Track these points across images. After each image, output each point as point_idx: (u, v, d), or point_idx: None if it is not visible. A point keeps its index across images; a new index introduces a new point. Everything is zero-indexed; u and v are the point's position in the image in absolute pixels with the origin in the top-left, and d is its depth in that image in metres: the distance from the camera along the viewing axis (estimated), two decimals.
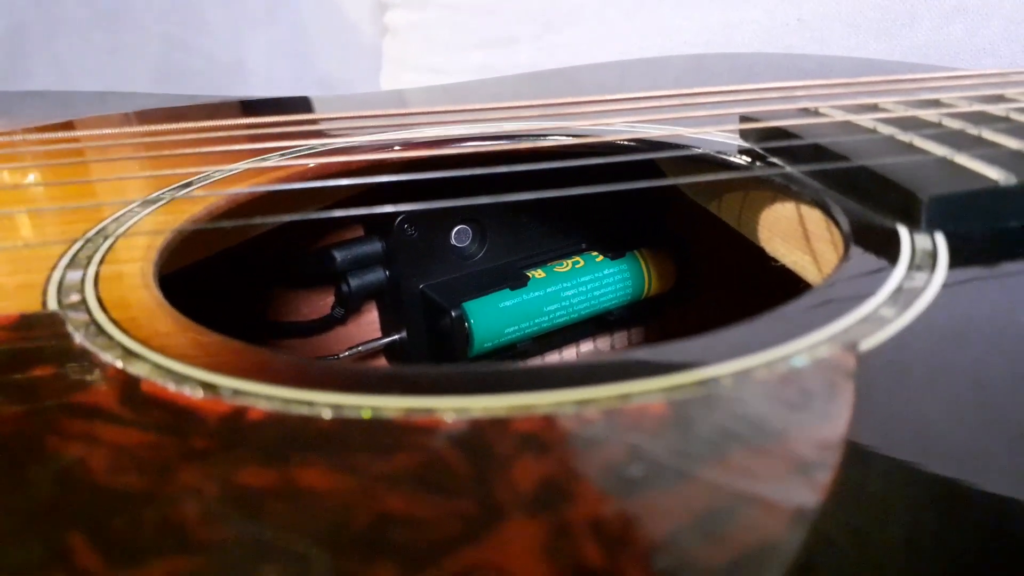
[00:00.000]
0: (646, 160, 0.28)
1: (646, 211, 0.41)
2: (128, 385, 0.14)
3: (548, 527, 0.10)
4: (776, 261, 0.27)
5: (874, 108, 0.24)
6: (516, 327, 0.38)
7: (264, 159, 0.28)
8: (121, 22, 0.83)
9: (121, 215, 0.23)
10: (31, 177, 0.27)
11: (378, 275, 0.38)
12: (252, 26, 0.86)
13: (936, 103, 0.24)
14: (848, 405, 0.12)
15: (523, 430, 0.12)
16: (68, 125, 0.39)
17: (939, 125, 0.22)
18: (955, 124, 0.22)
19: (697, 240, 0.41)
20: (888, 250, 0.18)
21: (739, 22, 0.70)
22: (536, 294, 0.38)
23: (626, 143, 0.27)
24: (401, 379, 0.14)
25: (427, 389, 0.13)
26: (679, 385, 0.13)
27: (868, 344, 0.14)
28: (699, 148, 0.26)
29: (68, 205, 0.24)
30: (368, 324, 0.42)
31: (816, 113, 0.25)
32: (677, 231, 0.41)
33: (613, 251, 0.40)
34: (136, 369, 0.14)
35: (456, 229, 0.38)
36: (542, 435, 0.12)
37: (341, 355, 0.39)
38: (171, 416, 0.13)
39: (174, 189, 0.25)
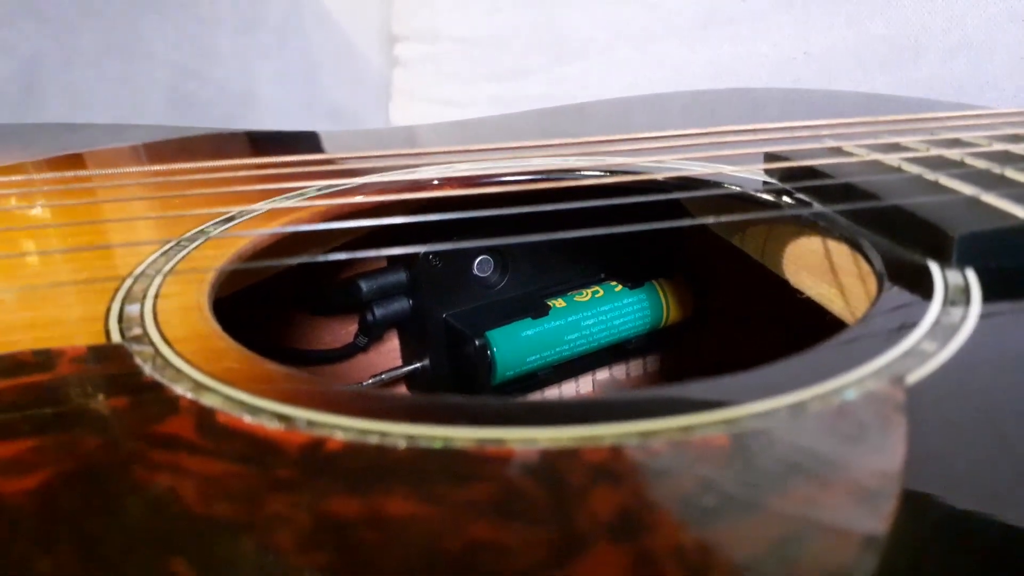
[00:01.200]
0: (669, 193, 0.29)
1: (664, 241, 0.42)
2: (204, 416, 0.14)
3: (632, 554, 0.11)
4: (801, 293, 0.27)
5: (898, 147, 0.25)
6: (538, 355, 0.38)
7: (301, 194, 0.29)
8: (133, 52, 0.85)
9: (167, 250, 0.23)
10: (47, 213, 0.28)
11: (402, 304, 0.38)
12: (262, 57, 0.88)
13: (958, 142, 0.25)
14: (901, 437, 0.13)
15: (593, 461, 0.13)
16: (78, 157, 0.40)
17: (963, 164, 0.23)
18: (979, 163, 0.23)
19: (715, 270, 0.42)
20: (922, 286, 0.19)
21: (747, 55, 0.72)
22: (557, 323, 0.39)
23: (657, 180, 0.28)
24: (467, 410, 0.14)
25: (493, 420, 0.14)
26: (737, 418, 0.14)
27: (914, 377, 0.15)
28: (726, 185, 0.27)
29: (116, 243, 0.24)
30: (388, 352, 0.43)
31: (842, 152, 0.25)
32: (695, 261, 0.42)
33: (632, 281, 0.41)
34: (209, 401, 0.15)
35: (479, 259, 0.39)
36: (612, 466, 0.12)
37: (365, 383, 0.39)
38: (251, 447, 0.13)
39: (216, 224, 0.26)
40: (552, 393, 0.43)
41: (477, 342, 0.37)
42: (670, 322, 0.41)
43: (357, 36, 0.92)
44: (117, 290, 0.21)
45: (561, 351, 0.39)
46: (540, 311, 0.38)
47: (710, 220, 0.24)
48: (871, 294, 0.23)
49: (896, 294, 0.19)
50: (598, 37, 0.78)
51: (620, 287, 0.40)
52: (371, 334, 0.40)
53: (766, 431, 0.13)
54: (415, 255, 0.37)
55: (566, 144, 0.27)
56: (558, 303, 0.39)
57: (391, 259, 0.39)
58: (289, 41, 0.89)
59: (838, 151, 0.26)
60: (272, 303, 0.38)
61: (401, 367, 0.41)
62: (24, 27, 0.82)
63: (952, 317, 0.17)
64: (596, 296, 0.40)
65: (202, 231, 0.25)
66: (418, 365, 0.40)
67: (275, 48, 0.88)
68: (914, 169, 0.23)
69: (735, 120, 0.28)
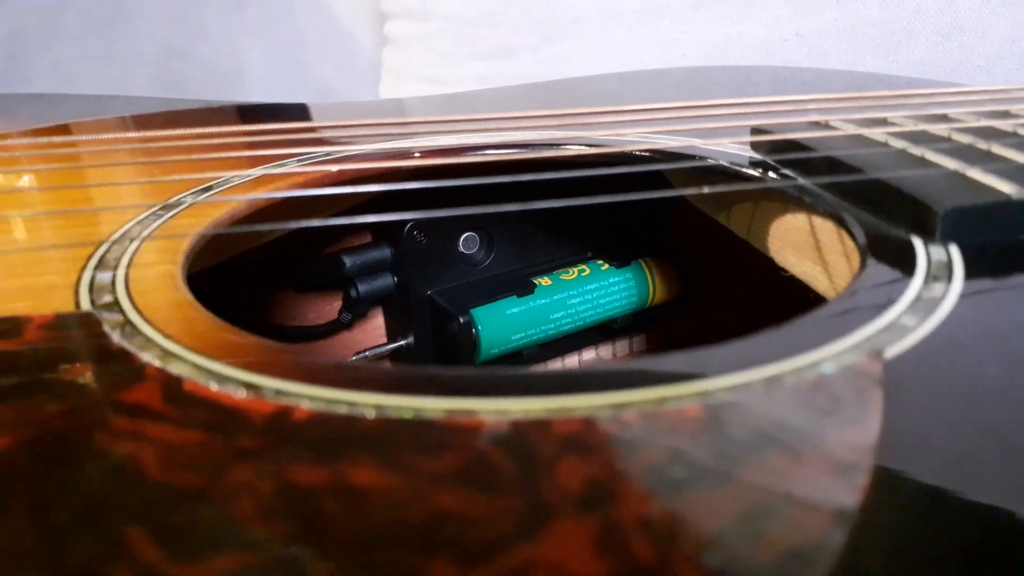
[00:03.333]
0: (654, 171, 0.29)
1: (651, 220, 0.42)
2: (170, 384, 0.14)
3: (599, 525, 0.10)
4: (785, 271, 0.27)
5: (884, 122, 0.25)
6: (523, 334, 0.38)
7: (281, 164, 0.28)
8: (119, 29, 0.84)
9: (144, 218, 0.23)
10: (26, 180, 0.28)
11: (386, 281, 0.38)
12: (251, 35, 0.87)
13: (944, 118, 0.25)
14: (877, 411, 0.13)
15: (564, 432, 0.12)
16: (64, 128, 0.40)
17: (949, 139, 0.23)
18: (965, 139, 0.23)
19: (701, 249, 0.42)
20: (904, 261, 0.18)
21: (738, 36, 0.71)
22: (543, 301, 0.38)
23: (640, 154, 0.28)
24: (439, 381, 0.14)
25: (465, 391, 0.14)
26: (712, 390, 0.13)
27: (893, 352, 0.15)
28: (711, 159, 0.27)
29: (91, 208, 0.24)
30: (373, 329, 0.43)
31: (827, 126, 0.25)
32: (682, 241, 0.42)
33: (619, 259, 0.40)
34: (176, 369, 0.15)
35: (464, 236, 0.39)
36: (583, 437, 0.12)
37: (349, 360, 0.39)
38: (216, 415, 0.13)
39: (194, 193, 0.25)
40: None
41: (462, 320, 0.37)
42: (656, 301, 0.41)
43: (346, 14, 0.91)
44: (90, 257, 0.20)
45: (547, 329, 0.39)
46: (525, 289, 0.38)
47: (691, 191, 0.24)
48: (855, 271, 0.23)
49: (878, 269, 0.19)
50: (588, 16, 0.78)
51: (607, 266, 0.40)
52: (355, 311, 0.39)
53: (740, 403, 0.13)
54: (399, 231, 0.37)
55: (552, 116, 0.27)
56: (544, 281, 0.39)
57: (375, 235, 0.39)
58: (278, 19, 0.88)
59: (823, 125, 0.25)
60: (255, 279, 0.38)
61: (385, 344, 0.40)
62: (5, 1, 0.80)
63: (934, 292, 0.17)
64: (582, 274, 0.40)
65: (180, 199, 0.25)
66: (402, 343, 0.40)
67: (263, 26, 0.87)
68: (899, 143, 0.23)
69: (725, 96, 0.28)
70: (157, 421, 0.13)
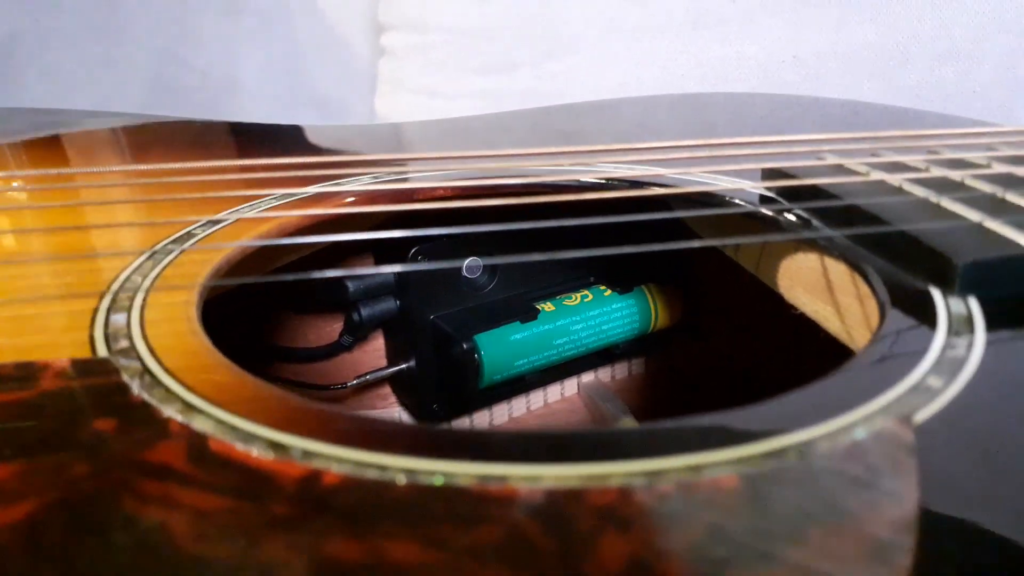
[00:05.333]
0: (667, 204, 0.29)
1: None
2: (195, 443, 0.14)
3: None
4: (796, 309, 0.27)
5: (900, 167, 0.25)
6: (526, 359, 0.38)
7: (290, 197, 0.28)
8: (114, 36, 0.83)
9: (153, 254, 0.23)
10: (17, 209, 0.27)
11: (389, 305, 0.38)
12: (246, 43, 0.86)
13: (961, 163, 0.25)
14: (912, 481, 0.13)
15: (600, 503, 0.12)
16: (55, 140, 0.39)
17: (965, 186, 0.23)
18: (981, 186, 0.23)
19: (705, 278, 0.42)
20: (925, 314, 0.19)
21: (736, 57, 0.72)
22: (546, 327, 0.38)
23: (657, 195, 0.27)
24: (469, 443, 0.14)
25: (497, 455, 0.13)
26: (746, 457, 0.13)
27: (922, 416, 0.15)
28: (730, 201, 0.26)
29: (100, 253, 0.24)
30: (373, 352, 0.43)
31: (844, 170, 0.25)
32: (686, 268, 0.42)
33: (621, 285, 0.40)
34: (200, 425, 0.14)
35: (467, 261, 0.38)
36: (620, 509, 0.12)
37: (350, 383, 0.39)
38: (245, 479, 0.13)
39: (204, 225, 0.25)
40: (537, 395, 0.43)
41: (465, 345, 0.36)
42: (658, 328, 0.41)
43: (343, 24, 0.90)
44: (102, 297, 0.20)
45: (549, 356, 0.39)
46: (529, 315, 0.38)
47: (712, 243, 0.24)
48: (868, 315, 0.23)
49: (899, 322, 0.19)
50: (588, 33, 0.78)
51: (609, 292, 0.40)
52: (356, 334, 0.39)
53: (776, 473, 0.13)
54: (404, 256, 0.37)
55: (563, 152, 0.27)
56: (547, 307, 0.39)
57: (379, 258, 0.39)
58: (273, 27, 0.87)
59: (840, 169, 0.25)
60: (258, 301, 0.38)
61: (386, 367, 0.40)
62: (0, 5, 0.80)
63: (957, 350, 0.17)
64: (585, 300, 0.39)
65: (188, 234, 0.24)
66: (403, 366, 0.40)
67: (259, 34, 0.87)
68: (917, 191, 0.23)
69: (724, 124, 0.28)
70: (185, 485, 0.13)
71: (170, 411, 0.15)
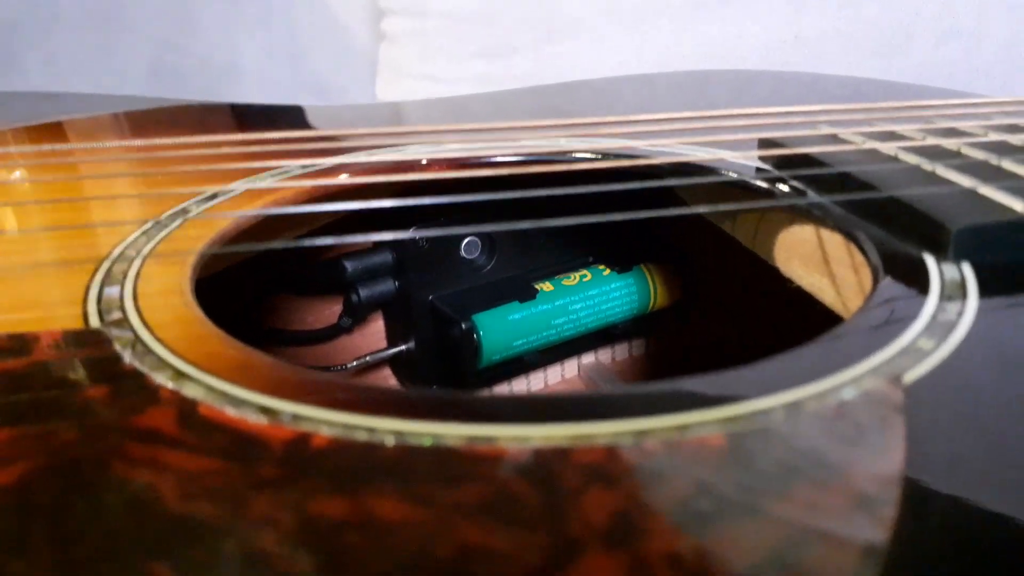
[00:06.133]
0: (663, 179, 0.29)
1: (654, 226, 0.42)
2: (185, 409, 0.14)
3: (627, 561, 0.10)
4: (792, 283, 0.27)
5: (894, 136, 0.25)
6: (524, 340, 0.38)
7: (285, 173, 0.28)
8: (114, 22, 0.83)
9: (149, 228, 0.23)
10: (17, 175, 0.27)
11: (388, 286, 0.38)
12: (246, 29, 0.86)
13: (954, 131, 0.25)
14: (900, 439, 0.13)
15: (586, 461, 0.12)
16: (57, 126, 0.39)
17: (960, 154, 0.23)
18: (976, 153, 0.23)
19: (704, 256, 0.42)
20: (918, 280, 0.18)
21: (737, 37, 0.71)
22: (545, 307, 0.38)
23: (651, 164, 0.27)
24: (457, 406, 0.14)
25: (485, 417, 0.13)
26: (734, 417, 0.13)
27: (911, 376, 0.15)
28: (721, 171, 0.26)
29: (96, 222, 0.24)
30: (373, 334, 0.43)
31: (838, 139, 0.25)
32: (684, 246, 0.42)
33: (620, 265, 0.40)
34: (190, 391, 0.14)
35: (466, 241, 0.38)
36: (606, 467, 0.12)
37: (350, 365, 0.39)
38: (234, 442, 0.13)
39: (199, 201, 0.25)
40: (537, 376, 0.43)
41: (464, 325, 0.36)
42: (657, 307, 0.41)
43: (343, 9, 0.90)
44: (96, 270, 0.20)
45: (548, 335, 0.39)
46: (527, 294, 0.38)
47: (703, 209, 0.24)
48: (863, 285, 0.23)
49: (891, 288, 0.19)
50: (588, 16, 0.77)
51: (608, 271, 0.40)
52: (356, 315, 0.39)
53: (763, 431, 0.13)
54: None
55: (558, 125, 0.27)
56: (546, 287, 0.39)
57: (377, 240, 0.39)
58: (272, 14, 0.87)
59: (834, 138, 0.25)
60: (255, 283, 0.38)
61: (386, 349, 0.40)
62: None
63: (948, 314, 0.17)
64: (584, 280, 0.39)
65: (184, 210, 0.24)
66: (403, 347, 0.40)
67: (258, 21, 0.86)
68: (911, 159, 0.23)
69: (725, 102, 0.28)
70: (174, 448, 0.13)
71: (161, 378, 0.15)
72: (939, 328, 0.16)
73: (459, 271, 0.38)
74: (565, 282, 0.39)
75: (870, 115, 0.28)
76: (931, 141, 0.24)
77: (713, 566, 0.10)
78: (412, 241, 0.37)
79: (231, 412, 0.14)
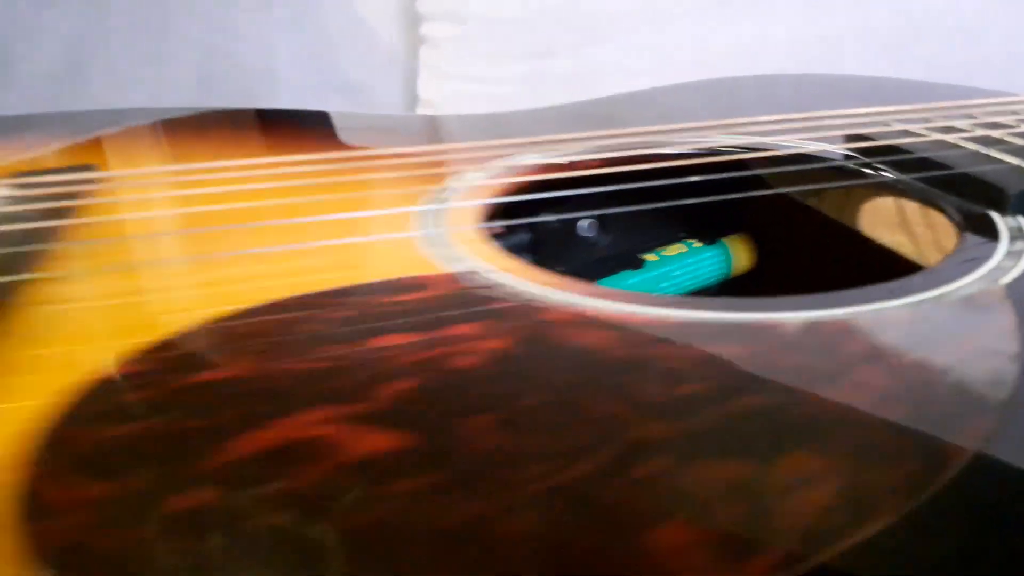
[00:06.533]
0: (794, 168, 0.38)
1: (732, 205, 0.51)
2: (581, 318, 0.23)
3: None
4: (874, 242, 0.36)
5: (953, 129, 0.34)
6: None
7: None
8: (165, 31, 0.84)
9: (426, 207, 0.31)
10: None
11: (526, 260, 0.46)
12: (280, 33, 0.86)
13: (998, 125, 0.34)
14: (1009, 312, 0.22)
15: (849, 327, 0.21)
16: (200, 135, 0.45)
17: (1005, 141, 0.32)
18: (1017, 141, 0.32)
19: (774, 226, 0.51)
20: (990, 229, 0.27)
21: (764, 37, 0.78)
22: (652, 274, 0.47)
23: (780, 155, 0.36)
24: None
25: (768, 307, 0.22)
26: (907, 304, 0.22)
27: (1005, 280, 0.23)
28: (831, 159, 0.35)
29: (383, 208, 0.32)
30: None
31: (910, 133, 0.34)
32: (756, 220, 0.51)
33: (707, 238, 0.49)
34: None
35: (586, 222, 0.47)
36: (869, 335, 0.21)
37: None
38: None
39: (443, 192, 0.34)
40: None
41: None
42: (737, 272, 0.50)
43: (373, 13, 0.90)
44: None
45: None
46: (636, 264, 0.47)
47: (803, 189, 0.32)
48: (938, 240, 0.32)
49: (971, 237, 0.27)
50: (623, 19, 0.82)
51: (699, 244, 0.49)
52: None
53: (922, 311, 0.22)
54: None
55: (709, 127, 0.36)
56: (651, 257, 0.48)
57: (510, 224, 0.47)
58: (303, 18, 0.87)
59: (907, 132, 0.34)
60: None
61: None
62: (65, 7, 0.83)
63: (1017, 246, 0.26)
64: (681, 252, 0.48)
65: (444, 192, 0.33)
66: None
67: (290, 25, 0.86)
68: (970, 146, 0.32)
69: (810, 104, 0.36)
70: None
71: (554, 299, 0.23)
72: (1013, 255, 0.25)
73: (580, 247, 0.47)
74: (665, 253, 0.48)
75: (928, 113, 0.37)
76: (980, 132, 0.33)
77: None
78: (545, 223, 0.45)
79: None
